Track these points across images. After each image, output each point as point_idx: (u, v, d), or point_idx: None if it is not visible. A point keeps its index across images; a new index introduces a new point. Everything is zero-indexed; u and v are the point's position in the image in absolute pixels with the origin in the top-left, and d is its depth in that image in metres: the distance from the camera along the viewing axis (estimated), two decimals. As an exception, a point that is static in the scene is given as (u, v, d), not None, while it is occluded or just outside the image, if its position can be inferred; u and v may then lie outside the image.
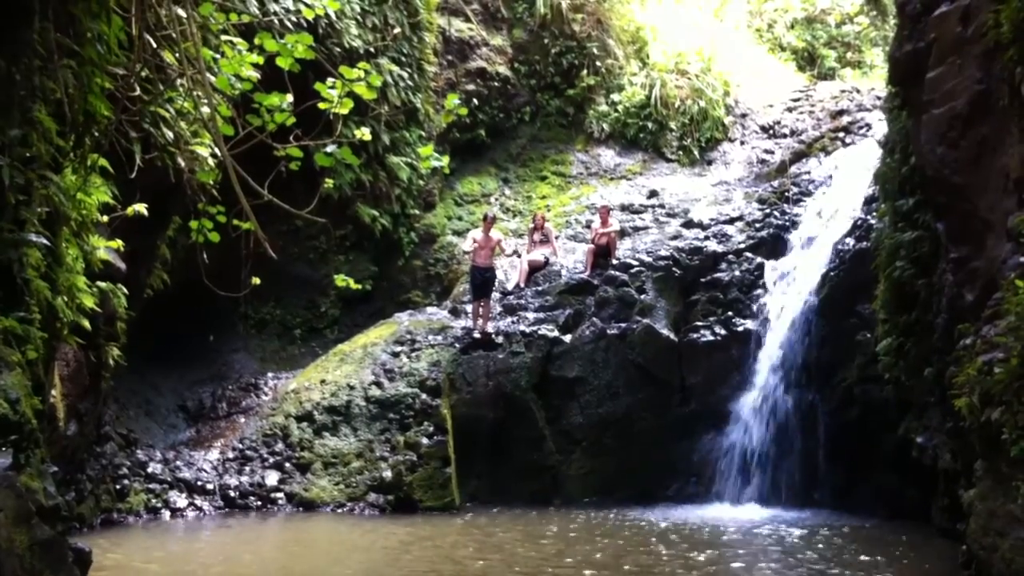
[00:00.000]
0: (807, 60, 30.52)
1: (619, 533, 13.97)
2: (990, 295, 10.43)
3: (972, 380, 9.46)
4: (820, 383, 16.81)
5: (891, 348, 13.95)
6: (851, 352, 16.44)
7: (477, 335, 18.05)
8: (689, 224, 20.20)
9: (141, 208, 9.57)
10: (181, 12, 7.61)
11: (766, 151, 23.22)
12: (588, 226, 20.76)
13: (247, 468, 16.41)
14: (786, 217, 19.38)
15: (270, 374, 19.43)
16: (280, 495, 16.04)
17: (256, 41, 8.28)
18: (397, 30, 20.61)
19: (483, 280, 18.33)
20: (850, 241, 17.39)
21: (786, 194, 20.25)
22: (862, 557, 12.24)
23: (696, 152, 23.76)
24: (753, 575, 11.34)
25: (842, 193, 19.03)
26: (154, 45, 8.20)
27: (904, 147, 13.58)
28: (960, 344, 10.65)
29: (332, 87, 7.91)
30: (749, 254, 18.63)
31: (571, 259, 20.07)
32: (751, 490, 16.58)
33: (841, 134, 22.14)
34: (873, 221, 16.60)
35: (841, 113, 23.33)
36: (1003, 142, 10.76)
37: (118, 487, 14.99)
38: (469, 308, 19.12)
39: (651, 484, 17.09)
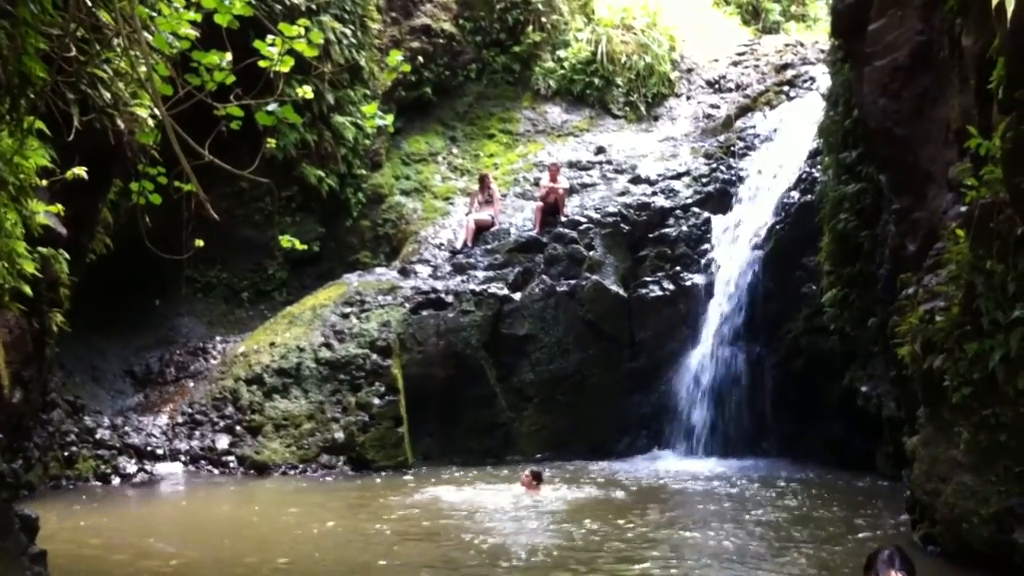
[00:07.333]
0: (751, 14, 30.59)
1: (568, 487, 14.09)
2: (932, 245, 10.61)
3: (914, 329, 9.64)
4: (767, 335, 17.03)
5: (836, 299, 14.15)
6: (797, 304, 16.66)
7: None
8: (636, 180, 20.23)
9: (80, 171, 9.37)
10: (115, -31, 7.42)
11: (712, 106, 23.29)
12: (536, 184, 20.70)
13: (197, 432, 16.32)
14: (732, 172, 19.47)
15: (218, 338, 19.24)
16: (231, 458, 15.98)
17: (193, -2, 8.10)
18: (339, -14, 20.32)
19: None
20: (795, 194, 17.55)
21: (732, 149, 20.33)
22: (809, 504, 12.46)
23: (643, 108, 23.75)
24: (709, 524, 11.49)
25: (787, 147, 19.15)
26: (89, 4, 8.00)
27: (847, 100, 13.69)
28: (902, 294, 10.83)
29: (272, 44, 7.77)
30: (696, 209, 18.73)
31: (520, 217, 20.05)
32: (700, 442, 16.80)
33: (786, 88, 22.24)
34: (817, 174, 16.77)
35: (785, 67, 23.44)
36: (944, 93, 10.89)
37: (66, 454, 14.84)
38: (419, 268, 19.19)
39: (603, 438, 17.26)
